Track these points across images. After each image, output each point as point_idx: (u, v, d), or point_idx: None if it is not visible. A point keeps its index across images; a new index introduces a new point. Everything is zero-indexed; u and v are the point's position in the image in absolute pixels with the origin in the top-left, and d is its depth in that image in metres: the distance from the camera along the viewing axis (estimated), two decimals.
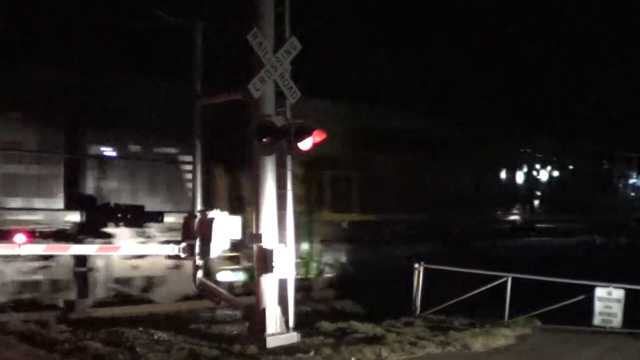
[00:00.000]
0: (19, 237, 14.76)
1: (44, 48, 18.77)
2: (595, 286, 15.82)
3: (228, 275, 18.22)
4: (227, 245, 14.45)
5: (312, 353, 12.68)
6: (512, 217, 30.55)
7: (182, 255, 14.42)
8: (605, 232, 34.52)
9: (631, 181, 40.12)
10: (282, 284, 13.35)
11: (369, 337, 14.21)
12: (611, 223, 35.57)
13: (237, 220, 14.45)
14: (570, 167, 35.06)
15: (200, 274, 14.46)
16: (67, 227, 16.33)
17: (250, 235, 13.35)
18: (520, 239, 29.34)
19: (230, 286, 17.88)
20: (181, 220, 15.44)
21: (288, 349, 12.84)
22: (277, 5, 13.28)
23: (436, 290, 17.20)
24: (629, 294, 15.63)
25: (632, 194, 39.97)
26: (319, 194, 20.89)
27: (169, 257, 14.80)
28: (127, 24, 17.50)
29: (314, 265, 20.13)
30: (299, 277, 17.30)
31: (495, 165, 29.51)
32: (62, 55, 18.45)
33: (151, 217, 17.21)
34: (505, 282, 16.51)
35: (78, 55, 19.19)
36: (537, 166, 32.53)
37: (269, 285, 13.06)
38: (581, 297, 15.93)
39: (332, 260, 21.13)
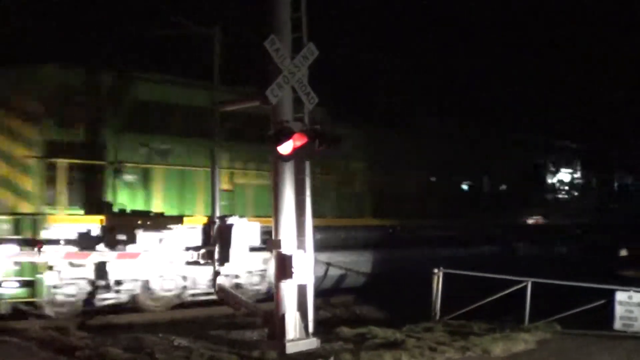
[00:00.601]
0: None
1: None
2: (616, 290, 15.76)
3: None
4: (247, 252, 14.45)
5: (332, 359, 12.66)
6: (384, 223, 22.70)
7: (201, 261, 14.45)
8: (534, 240, 28.02)
9: (577, 177, 32.46)
10: (301, 290, 13.35)
11: (389, 343, 14.19)
12: (548, 229, 29.21)
13: (256, 226, 14.46)
14: (483, 161, 27.21)
15: (220, 280, 14.47)
16: None
17: (270, 241, 13.35)
18: (387, 250, 22.05)
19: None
20: None
21: (308, 355, 12.83)
22: (293, 11, 13.29)
23: (451, 294, 17.18)
24: None
25: (576, 192, 32.40)
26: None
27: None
28: (149, 31, 17.43)
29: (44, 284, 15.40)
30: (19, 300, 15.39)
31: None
32: None
33: None
34: (525, 287, 16.48)
35: None
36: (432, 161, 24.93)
37: (288, 291, 13.05)
38: (602, 301, 15.89)
39: None
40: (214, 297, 15.68)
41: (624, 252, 30.59)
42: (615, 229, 32.09)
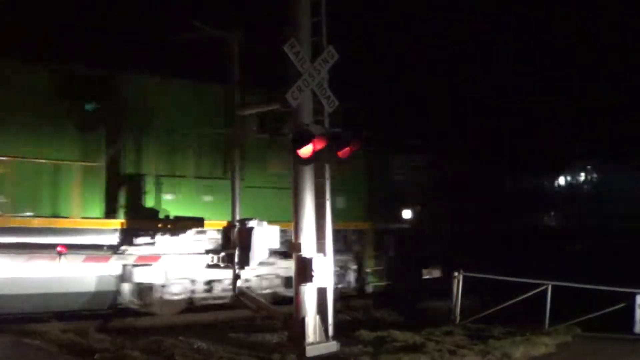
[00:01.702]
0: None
1: None
2: (636, 294, 15.70)
3: None
4: (266, 255, 14.46)
5: None
6: None
7: (221, 264, 14.46)
8: None
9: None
10: (321, 293, 13.34)
11: (409, 346, 14.16)
12: None
13: (275, 229, 14.45)
14: None
15: (239, 283, 14.49)
16: None
17: (290, 244, 13.35)
18: None
19: None
20: None
21: (328, 358, 12.84)
22: (313, 15, 13.30)
23: (470, 297, 17.17)
24: None
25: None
26: None
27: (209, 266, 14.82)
28: (168, 35, 17.42)
29: None
30: None
31: None
32: None
33: None
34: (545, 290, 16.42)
35: None
36: None
37: (308, 294, 13.04)
38: (622, 304, 15.82)
39: None
40: None
41: (435, 273, 22.11)
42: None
